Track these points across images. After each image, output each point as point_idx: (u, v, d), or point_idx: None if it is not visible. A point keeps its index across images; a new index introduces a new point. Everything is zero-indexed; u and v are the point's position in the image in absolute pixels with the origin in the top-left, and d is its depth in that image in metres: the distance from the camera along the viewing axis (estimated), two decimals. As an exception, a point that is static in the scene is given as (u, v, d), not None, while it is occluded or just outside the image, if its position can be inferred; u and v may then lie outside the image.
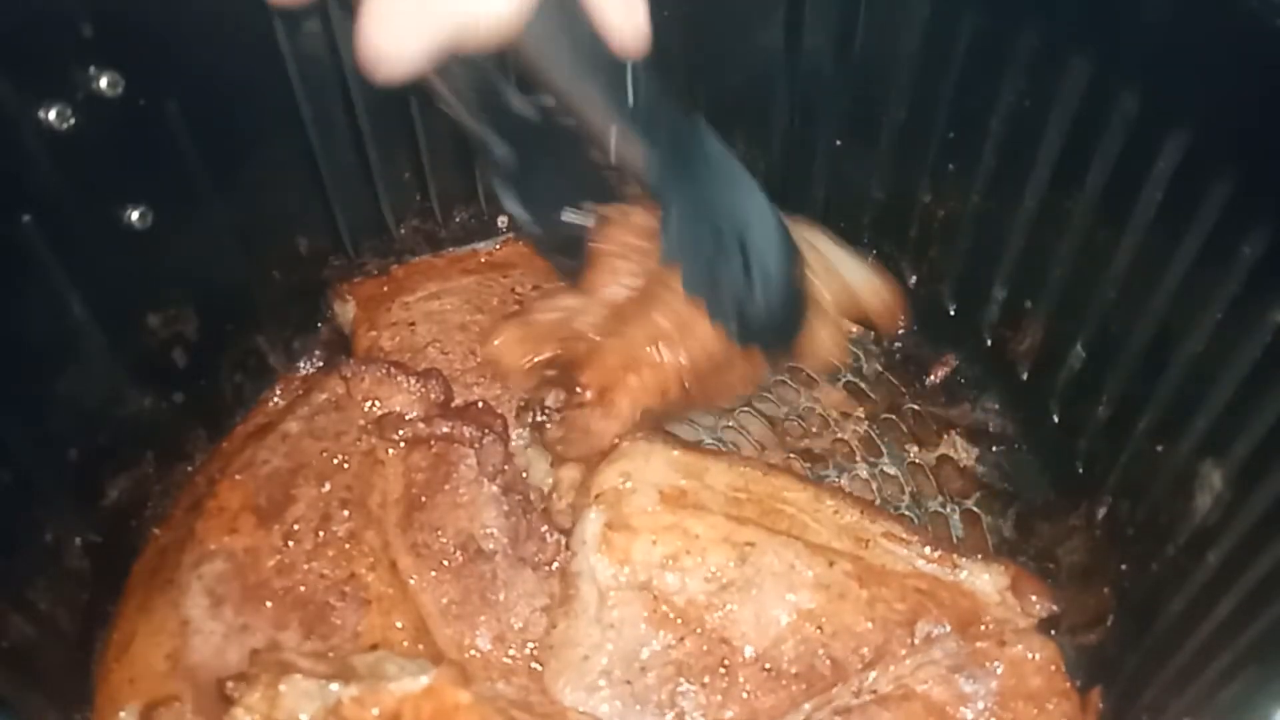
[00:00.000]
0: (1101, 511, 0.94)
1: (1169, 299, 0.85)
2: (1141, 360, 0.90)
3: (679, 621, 0.83)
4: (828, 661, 0.82)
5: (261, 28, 0.93)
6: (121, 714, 0.79)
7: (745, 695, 0.80)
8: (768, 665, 0.81)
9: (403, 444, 0.93)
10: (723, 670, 0.81)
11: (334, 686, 0.71)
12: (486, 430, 0.92)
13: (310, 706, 0.71)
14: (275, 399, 1.02)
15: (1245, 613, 0.72)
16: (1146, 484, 0.89)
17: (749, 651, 0.82)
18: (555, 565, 0.89)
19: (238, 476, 0.92)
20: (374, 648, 0.80)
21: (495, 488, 0.91)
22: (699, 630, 0.82)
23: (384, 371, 0.96)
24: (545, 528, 0.90)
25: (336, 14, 0.97)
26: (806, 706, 0.80)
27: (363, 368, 0.97)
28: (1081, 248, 0.94)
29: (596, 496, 0.87)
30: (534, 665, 0.85)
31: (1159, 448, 0.87)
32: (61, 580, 0.86)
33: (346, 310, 1.08)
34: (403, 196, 1.14)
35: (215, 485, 0.92)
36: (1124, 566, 0.90)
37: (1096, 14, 0.85)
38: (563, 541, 0.89)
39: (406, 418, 0.94)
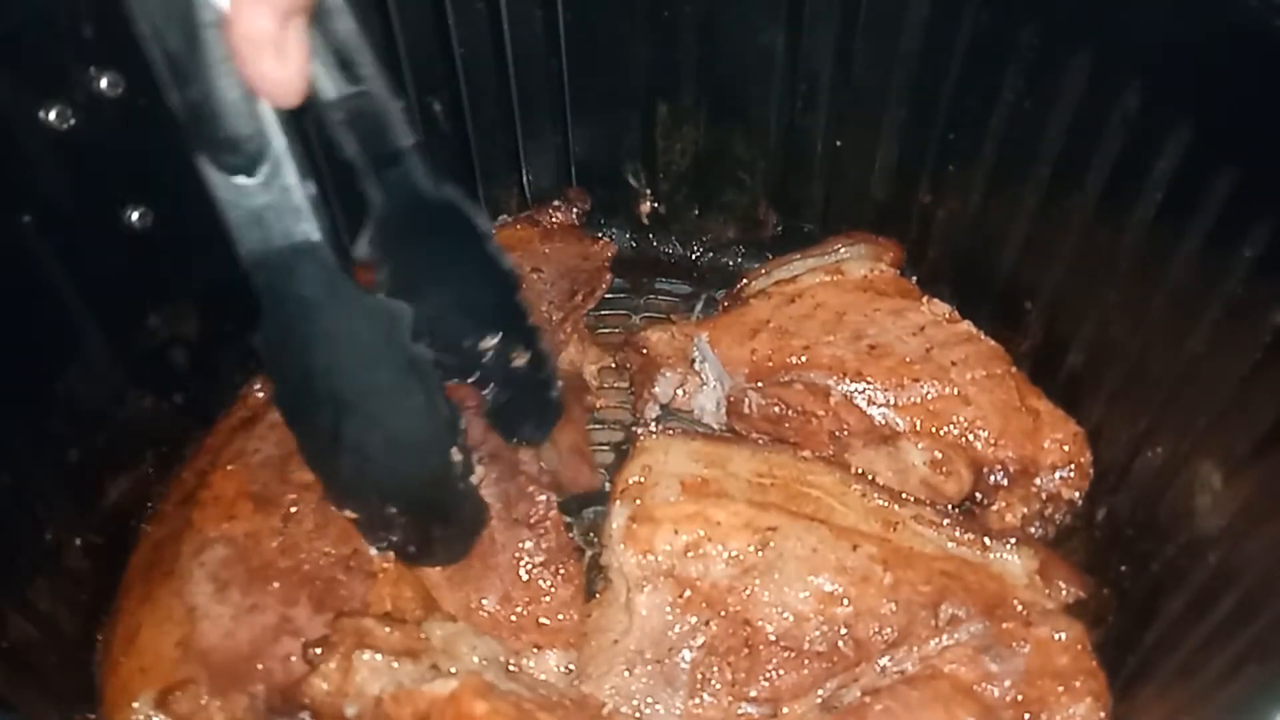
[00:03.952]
0: (1101, 512, 0.94)
1: (1169, 299, 0.85)
2: (1141, 360, 0.90)
3: (704, 605, 0.85)
4: (850, 642, 0.83)
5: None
6: (135, 704, 0.79)
7: (769, 673, 0.83)
8: (790, 645, 0.83)
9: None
10: (746, 650, 0.83)
11: (397, 665, 0.75)
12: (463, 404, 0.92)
13: (376, 684, 0.74)
14: (257, 391, 1.01)
15: (1245, 613, 0.72)
16: (1146, 484, 0.89)
17: (771, 632, 0.84)
18: (549, 524, 0.90)
19: (230, 467, 0.92)
20: (387, 615, 0.81)
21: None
22: (723, 613, 0.85)
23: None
24: (532, 488, 0.91)
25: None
26: (830, 684, 0.82)
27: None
28: (1081, 248, 0.94)
29: (621, 492, 0.90)
30: (541, 620, 0.87)
31: (1159, 448, 0.87)
32: (61, 580, 0.86)
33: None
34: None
35: (207, 477, 0.92)
36: (1124, 567, 0.90)
37: (1097, 13, 0.85)
38: (552, 499, 0.91)
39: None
